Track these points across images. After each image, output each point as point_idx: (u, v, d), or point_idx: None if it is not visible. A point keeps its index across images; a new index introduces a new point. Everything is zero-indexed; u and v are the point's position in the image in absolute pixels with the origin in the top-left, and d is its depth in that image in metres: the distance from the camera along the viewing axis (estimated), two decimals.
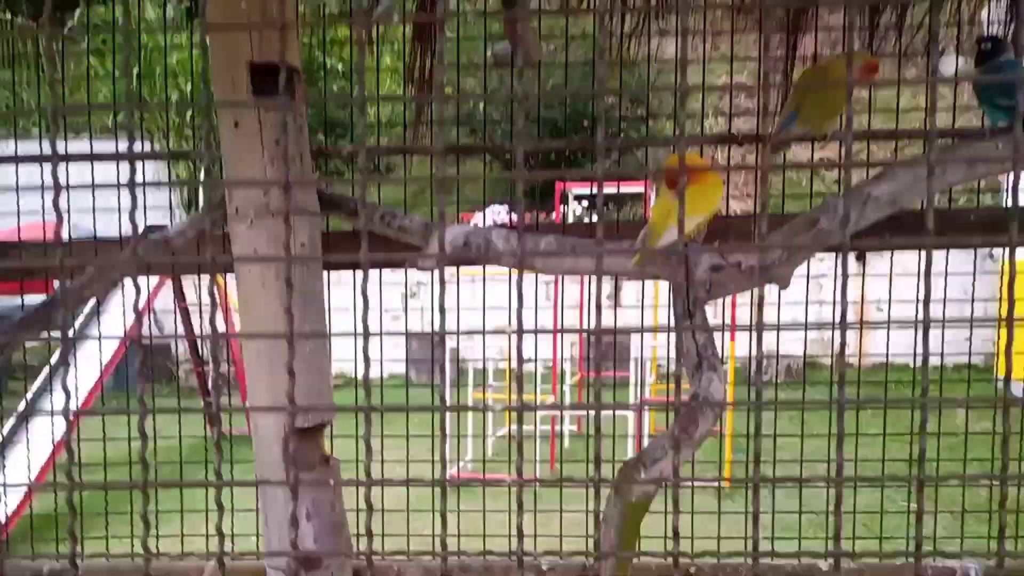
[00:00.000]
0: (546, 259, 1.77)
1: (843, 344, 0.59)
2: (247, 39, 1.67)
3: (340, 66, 8.43)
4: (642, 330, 1.96)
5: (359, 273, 0.59)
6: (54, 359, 4.97)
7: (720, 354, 1.59)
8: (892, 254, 2.25)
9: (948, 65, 4.71)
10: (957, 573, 2.32)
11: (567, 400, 6.53)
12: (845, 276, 0.59)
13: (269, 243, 1.70)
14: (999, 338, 5.77)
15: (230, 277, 2.04)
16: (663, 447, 1.38)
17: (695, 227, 1.69)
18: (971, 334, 2.27)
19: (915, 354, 1.72)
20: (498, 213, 7.09)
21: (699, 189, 1.62)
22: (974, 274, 2.40)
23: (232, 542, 2.35)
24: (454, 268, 2.45)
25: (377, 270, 2.34)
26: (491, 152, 8.53)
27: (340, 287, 2.05)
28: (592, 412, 0.64)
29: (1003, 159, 1.56)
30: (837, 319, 0.60)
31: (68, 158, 1.99)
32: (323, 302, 1.80)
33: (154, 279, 5.78)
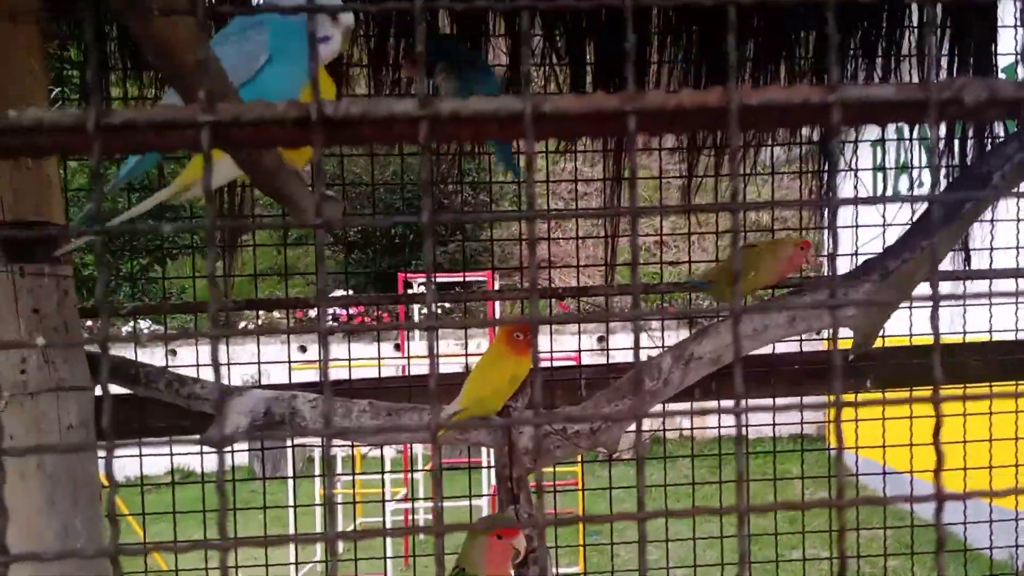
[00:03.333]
0: (361, 427, 1.61)
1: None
2: None
3: None
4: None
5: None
6: None
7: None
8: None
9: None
10: None
11: (419, 489, 6.30)
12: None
13: (28, 428, 1.46)
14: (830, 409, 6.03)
15: None
16: None
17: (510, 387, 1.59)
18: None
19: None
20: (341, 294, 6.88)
21: (505, 362, 1.52)
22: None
23: None
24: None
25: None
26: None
27: None
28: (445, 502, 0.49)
29: (823, 319, 1.55)
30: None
31: None
32: (98, 487, 1.57)
33: None
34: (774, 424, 2.79)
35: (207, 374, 1.92)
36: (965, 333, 1.85)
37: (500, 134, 0.56)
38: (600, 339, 7.50)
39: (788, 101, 0.54)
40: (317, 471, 6.31)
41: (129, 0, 0.47)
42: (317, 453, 6.68)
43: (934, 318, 0.55)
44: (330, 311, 8.43)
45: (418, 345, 6.12)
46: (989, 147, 1.97)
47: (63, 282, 1.50)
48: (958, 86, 0.54)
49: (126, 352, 3.26)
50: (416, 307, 6.43)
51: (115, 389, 1.74)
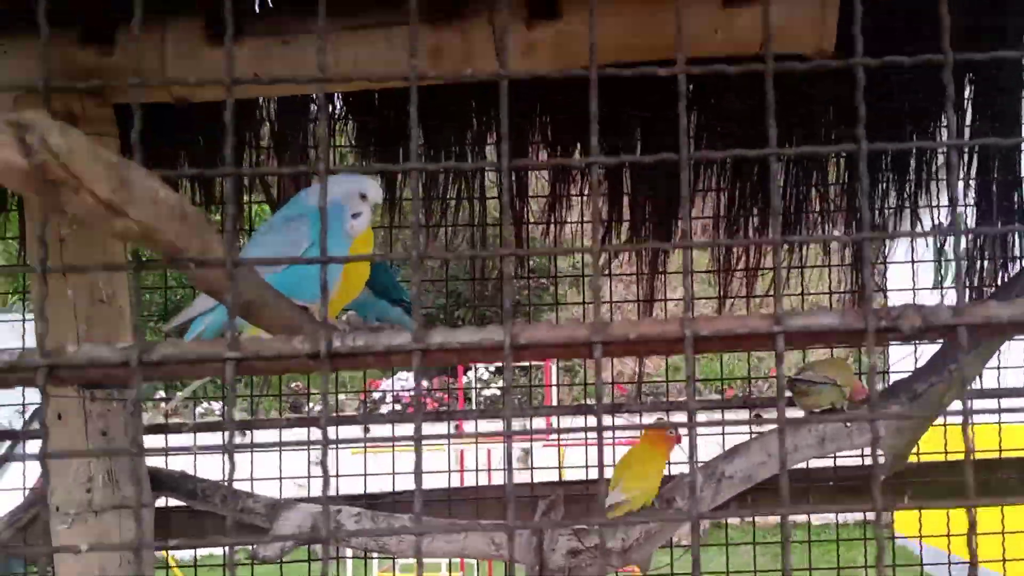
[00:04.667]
0: (400, 542, 1.67)
1: None
2: (72, 321, 1.58)
3: None
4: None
5: None
6: None
7: None
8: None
9: None
10: None
11: None
12: None
13: (92, 545, 1.56)
14: None
15: None
16: None
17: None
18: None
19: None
20: (405, 379, 7.02)
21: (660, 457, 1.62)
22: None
23: None
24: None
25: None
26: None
27: None
28: None
29: (853, 441, 1.57)
30: None
31: None
32: None
33: None
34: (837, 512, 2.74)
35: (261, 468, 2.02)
36: (1002, 451, 1.84)
37: (484, 359, 0.64)
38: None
39: (737, 331, 0.60)
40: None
41: (171, 259, 0.57)
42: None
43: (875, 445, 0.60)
44: (391, 392, 8.55)
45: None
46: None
47: (131, 404, 1.62)
48: (894, 315, 0.60)
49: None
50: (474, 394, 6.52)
51: (174, 501, 1.85)
